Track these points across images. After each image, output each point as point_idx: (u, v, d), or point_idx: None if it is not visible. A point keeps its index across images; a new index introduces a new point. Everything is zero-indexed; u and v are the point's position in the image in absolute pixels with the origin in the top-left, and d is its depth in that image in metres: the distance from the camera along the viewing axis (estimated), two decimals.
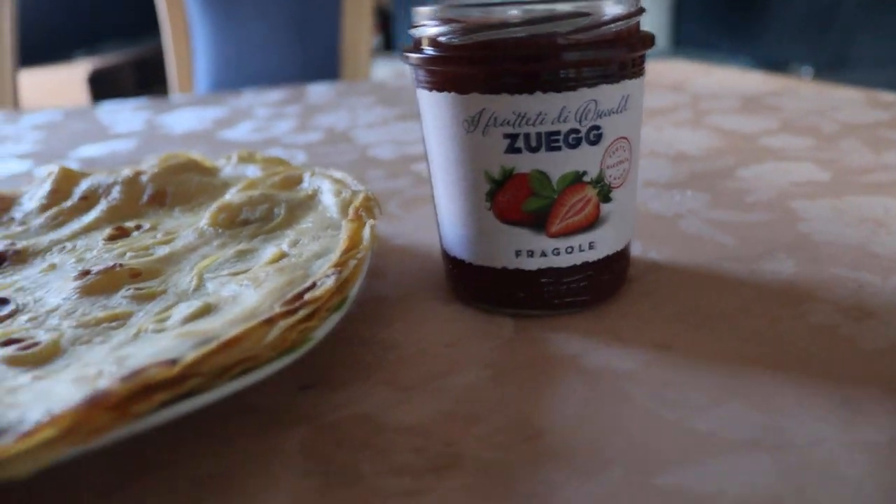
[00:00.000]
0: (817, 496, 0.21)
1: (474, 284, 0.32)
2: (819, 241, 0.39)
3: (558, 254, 0.30)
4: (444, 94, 0.29)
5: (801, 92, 0.78)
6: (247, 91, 1.04)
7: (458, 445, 0.23)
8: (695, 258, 0.37)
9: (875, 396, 0.25)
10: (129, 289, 0.30)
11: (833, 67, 2.87)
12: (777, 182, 0.49)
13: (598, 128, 0.28)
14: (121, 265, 0.31)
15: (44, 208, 0.42)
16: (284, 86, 1.09)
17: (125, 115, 0.93)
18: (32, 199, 0.43)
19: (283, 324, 0.23)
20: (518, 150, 0.28)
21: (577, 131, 0.28)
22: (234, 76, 1.45)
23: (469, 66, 0.28)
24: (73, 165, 0.67)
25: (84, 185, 0.43)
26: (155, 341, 0.24)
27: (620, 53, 0.28)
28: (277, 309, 0.24)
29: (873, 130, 0.60)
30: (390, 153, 0.62)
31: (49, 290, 0.31)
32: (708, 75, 0.94)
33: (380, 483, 0.22)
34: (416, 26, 0.30)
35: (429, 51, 0.29)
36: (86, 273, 0.31)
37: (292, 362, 0.24)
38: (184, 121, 0.86)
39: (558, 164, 0.28)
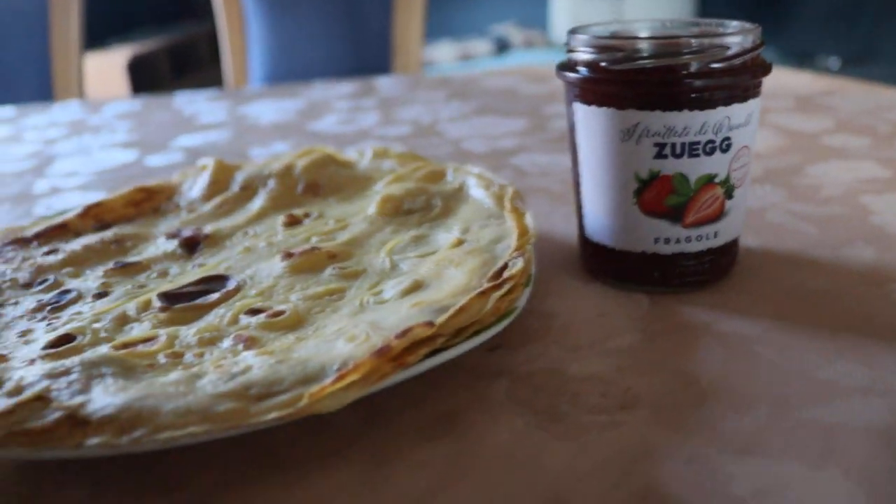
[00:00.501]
0: None
1: (615, 266, 0.38)
2: (892, 233, 0.44)
3: (689, 241, 0.36)
4: (603, 108, 0.35)
5: (851, 93, 0.83)
6: (315, 83, 1.10)
7: (635, 390, 0.30)
8: (784, 245, 0.43)
9: None
10: (334, 268, 0.36)
11: (860, 59, 2.90)
12: (843, 179, 0.55)
13: (728, 139, 0.34)
14: (318, 248, 0.37)
15: (206, 197, 0.48)
16: (344, 78, 1.15)
17: (204, 105, 0.99)
18: (193, 189, 0.49)
19: (495, 295, 0.30)
20: (665, 157, 0.34)
21: (713, 142, 0.34)
22: (289, 68, 1.51)
23: (628, 88, 0.34)
24: (177, 154, 0.74)
25: (240, 177, 0.49)
26: (392, 310, 0.30)
27: (748, 79, 0.34)
28: (486, 284, 0.30)
29: None
30: (483, 147, 0.68)
31: (257, 269, 0.37)
32: None
33: (581, 419, 0.28)
34: (574, 50, 0.36)
35: (586, 71, 0.35)
36: (289, 255, 0.37)
37: (503, 328, 0.30)
38: (267, 112, 0.92)
39: (696, 168, 0.34)
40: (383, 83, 1.07)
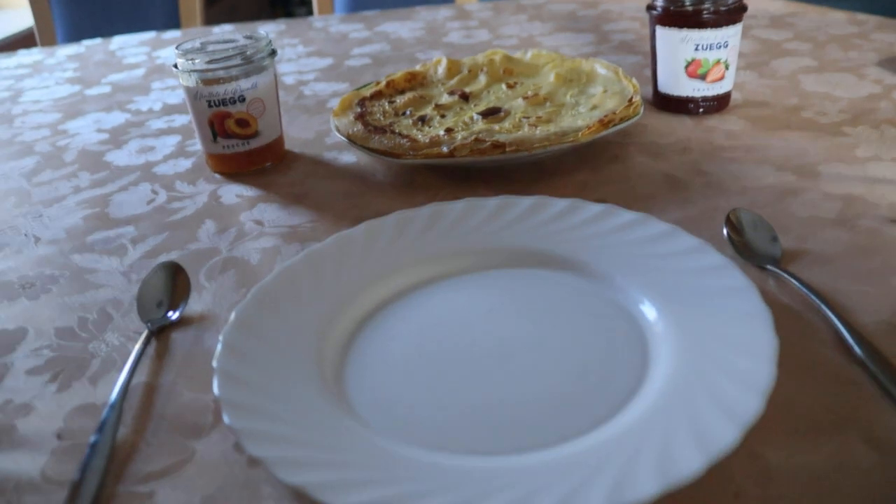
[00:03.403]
0: None
1: (675, 104, 0.81)
2: (811, 90, 0.87)
3: (709, 90, 0.79)
4: (673, 29, 0.77)
5: (808, 14, 1.24)
6: (417, 8, 1.50)
7: (695, 140, 0.73)
8: (754, 98, 0.86)
9: None
10: (549, 104, 0.78)
11: None
12: (790, 67, 0.97)
13: (727, 42, 0.77)
14: (537, 94, 0.80)
15: (448, 77, 0.90)
16: (429, 6, 1.55)
17: (338, 27, 1.39)
18: (437, 73, 0.91)
19: (632, 108, 0.72)
20: (698, 50, 0.76)
21: (721, 43, 0.76)
22: (370, 3, 1.87)
23: (683, 18, 0.76)
24: (356, 62, 1.15)
25: (465, 68, 0.90)
26: (593, 114, 0.73)
27: (740, 13, 0.76)
28: (625, 104, 0.73)
29: None
30: (574, 53, 1.10)
31: (511, 104, 0.79)
32: None
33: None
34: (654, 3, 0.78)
35: (661, 10, 0.77)
36: (526, 97, 0.79)
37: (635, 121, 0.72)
38: (402, 29, 1.32)
39: (712, 55, 0.77)
40: (473, 8, 1.47)
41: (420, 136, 0.71)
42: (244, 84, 0.72)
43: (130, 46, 1.42)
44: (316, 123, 0.90)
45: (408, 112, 0.80)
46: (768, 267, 0.51)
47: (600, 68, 0.84)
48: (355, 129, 0.73)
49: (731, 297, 0.44)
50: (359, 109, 0.80)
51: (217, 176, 0.76)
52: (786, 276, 0.50)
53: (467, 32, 1.27)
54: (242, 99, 0.72)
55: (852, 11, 1.24)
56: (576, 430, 0.38)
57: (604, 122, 0.69)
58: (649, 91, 0.85)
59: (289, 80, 1.09)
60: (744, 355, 0.40)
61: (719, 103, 0.80)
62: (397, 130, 0.74)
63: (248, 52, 0.72)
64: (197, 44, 0.75)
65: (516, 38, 1.21)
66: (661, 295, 0.47)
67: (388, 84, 0.87)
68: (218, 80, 0.71)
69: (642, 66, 1.00)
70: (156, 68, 1.24)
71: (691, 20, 0.76)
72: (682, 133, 0.77)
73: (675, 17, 0.76)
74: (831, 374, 0.42)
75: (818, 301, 0.47)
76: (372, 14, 1.50)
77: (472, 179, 0.69)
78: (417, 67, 0.92)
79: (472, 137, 0.67)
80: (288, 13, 4.34)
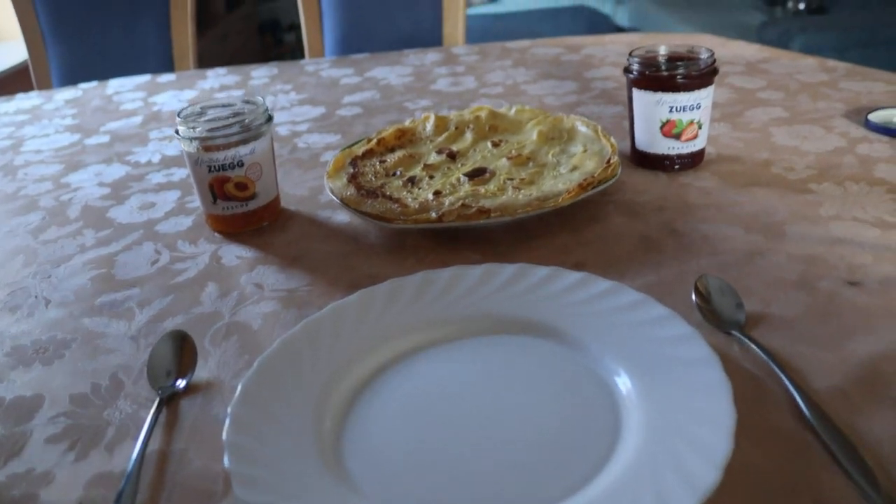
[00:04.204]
0: None
1: (650, 160, 0.86)
2: (781, 144, 0.92)
3: (684, 148, 0.84)
4: (648, 92, 0.81)
5: (781, 59, 1.30)
6: (406, 52, 1.55)
7: (671, 209, 0.78)
8: (726, 152, 0.91)
9: None
10: (531, 164, 0.83)
11: (821, 7, 3.36)
12: (762, 118, 1.02)
13: (700, 104, 0.82)
14: (520, 154, 0.84)
15: (436, 133, 0.94)
16: (417, 49, 1.60)
17: (329, 71, 1.44)
18: (426, 130, 0.95)
19: (609, 169, 0.77)
20: (672, 112, 0.81)
21: (694, 105, 0.81)
22: (359, 40, 1.92)
23: (658, 83, 0.81)
24: (346, 112, 1.20)
25: (451, 124, 0.95)
26: (573, 176, 0.77)
27: (710, 77, 0.81)
28: (603, 165, 0.77)
29: None
30: (557, 102, 1.15)
31: (495, 164, 0.84)
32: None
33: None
34: (630, 66, 0.82)
35: (638, 74, 0.82)
36: (511, 157, 0.84)
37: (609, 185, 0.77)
38: (390, 75, 1.37)
39: (686, 116, 0.82)
40: (460, 52, 1.52)
41: (410, 200, 0.75)
42: (243, 150, 0.76)
43: (126, 91, 1.46)
44: (310, 179, 0.94)
45: (398, 172, 0.84)
46: (733, 332, 0.56)
47: (580, 125, 0.89)
48: (348, 193, 0.78)
49: (696, 368, 0.49)
50: (351, 170, 0.84)
51: (217, 234, 0.80)
52: (748, 342, 0.54)
53: (455, 80, 1.32)
54: (241, 164, 0.76)
55: (823, 57, 1.29)
56: (549, 500, 0.42)
57: (583, 186, 0.73)
58: (628, 146, 0.90)
59: (283, 130, 1.14)
60: (705, 426, 0.44)
61: (694, 160, 0.85)
62: (388, 193, 0.78)
63: (247, 120, 0.76)
64: (197, 108, 0.79)
65: (501, 86, 1.26)
66: (632, 364, 0.51)
67: (378, 142, 0.92)
68: (217, 147, 0.76)
69: (622, 118, 1.05)
70: (153, 116, 1.29)
71: (666, 84, 0.81)
72: (657, 190, 0.81)
73: (651, 81, 0.81)
74: (787, 439, 0.47)
75: (776, 367, 0.51)
76: (362, 58, 1.55)
77: (460, 240, 0.73)
78: (406, 123, 0.97)
79: (459, 203, 0.72)
80: (277, 40, 4.41)
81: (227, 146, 0.76)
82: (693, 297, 0.60)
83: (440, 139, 0.93)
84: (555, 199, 0.72)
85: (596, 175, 0.75)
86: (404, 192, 0.78)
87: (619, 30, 3.72)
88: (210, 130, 0.75)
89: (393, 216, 0.72)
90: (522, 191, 0.75)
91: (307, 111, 1.22)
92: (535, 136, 0.89)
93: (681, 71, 0.80)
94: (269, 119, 0.79)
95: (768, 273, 0.64)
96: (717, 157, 0.89)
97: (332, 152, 1.02)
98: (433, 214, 0.71)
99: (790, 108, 1.04)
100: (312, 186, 0.91)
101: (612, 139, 0.84)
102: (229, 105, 0.80)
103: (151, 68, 1.72)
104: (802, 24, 3.21)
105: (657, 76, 0.81)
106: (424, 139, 0.94)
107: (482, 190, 0.76)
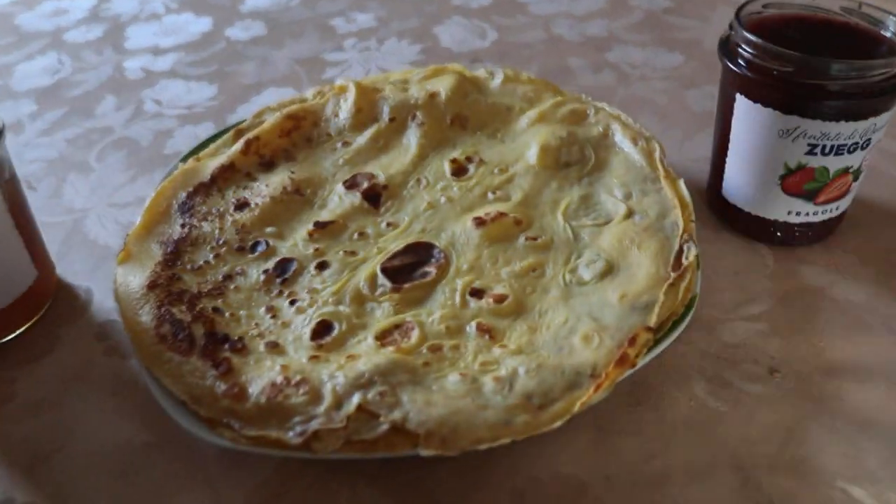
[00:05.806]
0: None
1: (747, 224, 0.45)
2: None
3: (816, 214, 0.43)
4: (768, 109, 0.39)
5: None
6: None
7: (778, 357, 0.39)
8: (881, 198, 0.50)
9: None
10: (524, 238, 0.42)
11: None
12: None
13: (870, 140, 0.40)
14: (504, 214, 0.43)
15: (354, 126, 0.51)
16: None
17: None
18: (339, 115, 0.52)
19: (682, 286, 0.37)
20: (814, 154, 0.40)
21: (857, 143, 0.40)
22: None
23: (795, 98, 0.38)
24: (241, 31, 0.75)
25: (385, 108, 0.52)
26: (600, 299, 0.37)
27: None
28: (672, 274, 0.37)
29: None
30: (575, 36, 0.70)
31: (452, 233, 0.42)
32: None
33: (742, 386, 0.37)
34: (739, 43, 0.40)
35: (749, 68, 0.39)
36: (481, 221, 0.42)
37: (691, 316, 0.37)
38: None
39: (837, 163, 0.40)
40: None
41: (266, 363, 0.35)
42: None
43: None
44: (139, 187, 0.53)
45: (262, 244, 0.43)
46: None
47: (620, 135, 0.47)
48: (143, 321, 0.38)
49: None
50: (178, 226, 0.44)
51: None
52: None
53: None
54: None
55: None
56: None
57: (626, 360, 0.34)
58: (697, 175, 0.49)
59: (133, 66, 0.70)
60: None
61: (824, 230, 0.45)
62: (222, 321, 0.38)
63: None
64: None
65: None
66: None
67: (248, 145, 0.49)
68: None
69: (686, 82, 0.62)
70: None
71: (813, 102, 0.38)
72: (751, 292, 0.42)
73: (779, 92, 0.39)
74: None
75: None
76: None
77: (350, 470, 0.35)
78: (308, 97, 0.54)
79: (343, 420, 0.32)
80: None
81: None
82: None
83: (360, 140, 0.51)
84: (564, 407, 0.33)
85: (658, 321, 0.35)
86: (260, 313, 0.39)
87: None
88: None
89: (216, 415, 0.33)
90: (492, 371, 0.35)
91: (183, 25, 0.77)
92: (535, 150, 0.47)
93: (849, 74, 0.37)
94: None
95: None
96: (859, 218, 0.48)
97: (187, 131, 0.60)
98: (293, 438, 0.32)
99: None
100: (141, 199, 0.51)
101: (682, 185, 0.43)
102: None
103: None
104: None
105: (797, 83, 0.38)
106: (332, 136, 0.52)
107: (410, 361, 0.36)
